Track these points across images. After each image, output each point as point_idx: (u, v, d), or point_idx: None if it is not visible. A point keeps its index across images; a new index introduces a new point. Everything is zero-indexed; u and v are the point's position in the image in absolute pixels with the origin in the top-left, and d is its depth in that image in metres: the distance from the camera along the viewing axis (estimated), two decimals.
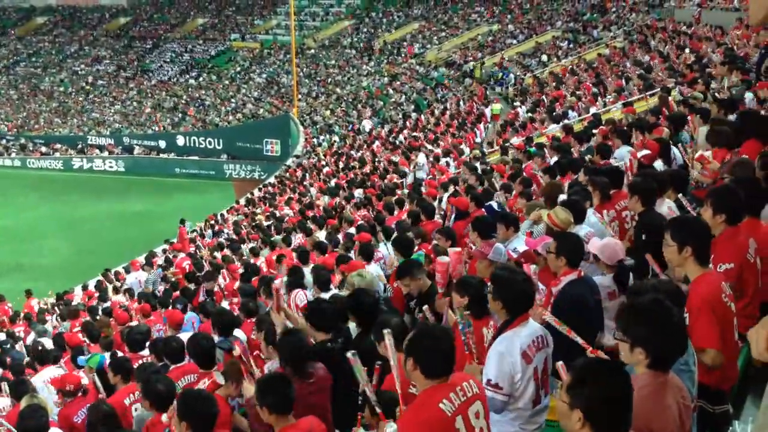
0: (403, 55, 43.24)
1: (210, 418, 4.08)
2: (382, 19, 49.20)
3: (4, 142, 47.52)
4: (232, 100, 47.23)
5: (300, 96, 42.45)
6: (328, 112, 40.60)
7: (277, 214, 19.13)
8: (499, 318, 4.21)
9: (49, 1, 64.53)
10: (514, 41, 37.92)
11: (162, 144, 42.19)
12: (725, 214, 4.40)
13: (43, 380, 7.98)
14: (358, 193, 16.78)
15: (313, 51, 48.79)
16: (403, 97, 37.39)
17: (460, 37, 42.08)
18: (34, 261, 24.18)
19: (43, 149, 45.40)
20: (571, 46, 33.71)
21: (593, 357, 3.31)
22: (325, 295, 7.02)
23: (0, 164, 44.40)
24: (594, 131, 11.72)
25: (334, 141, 34.18)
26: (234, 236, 18.61)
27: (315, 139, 36.10)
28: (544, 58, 33.53)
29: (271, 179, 29.77)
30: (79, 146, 44.66)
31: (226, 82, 49.59)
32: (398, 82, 39.91)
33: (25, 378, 8.37)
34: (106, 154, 43.13)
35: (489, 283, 4.26)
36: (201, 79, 50.93)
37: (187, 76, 51.79)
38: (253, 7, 57.76)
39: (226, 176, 37.86)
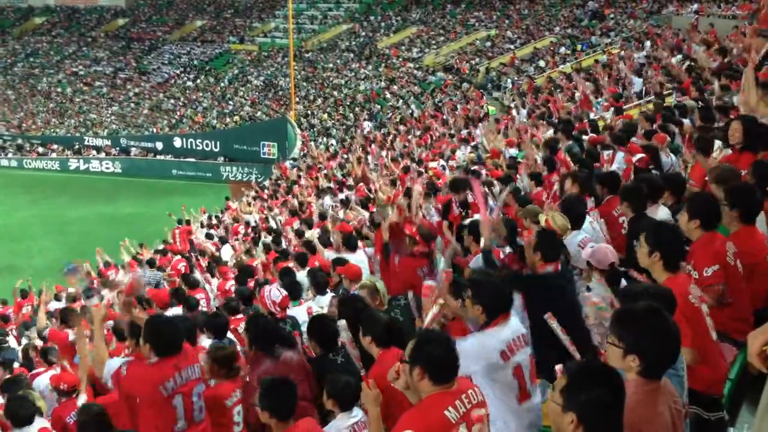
0: (400, 59, 43.26)
1: (174, 339, 4.63)
2: (380, 23, 49.23)
3: (0, 142, 47.45)
4: (230, 102, 47.20)
5: (297, 99, 42.45)
6: (325, 116, 40.59)
7: (272, 216, 19.08)
8: (479, 322, 4.20)
9: (47, 1, 64.53)
10: (512, 46, 37.96)
11: (159, 146, 42.11)
12: (699, 219, 4.55)
13: (45, 384, 7.90)
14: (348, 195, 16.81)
15: (310, 54, 48.81)
16: (401, 101, 37.40)
17: (458, 41, 42.12)
18: (26, 261, 24.10)
19: (40, 150, 45.31)
20: (569, 51, 33.78)
21: (588, 360, 3.28)
22: (323, 299, 7.13)
23: None
24: (584, 137, 11.69)
25: (331, 144, 34.18)
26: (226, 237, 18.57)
27: (312, 143, 36.09)
28: (542, 63, 33.58)
29: (266, 182, 29.73)
30: (76, 147, 44.57)
31: (224, 84, 49.58)
32: (396, 86, 39.92)
33: (19, 377, 8.29)
34: (103, 155, 43.02)
35: (469, 289, 4.26)
36: (199, 81, 50.91)
37: (185, 78, 51.76)
38: (252, 10, 57.81)
39: (222, 178, 37.80)
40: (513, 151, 14.88)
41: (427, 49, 43.08)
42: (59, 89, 53.90)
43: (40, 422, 5.75)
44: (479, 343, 3.97)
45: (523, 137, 14.63)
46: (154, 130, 45.81)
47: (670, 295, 3.73)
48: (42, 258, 24.46)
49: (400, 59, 43.24)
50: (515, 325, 4.13)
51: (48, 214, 31.26)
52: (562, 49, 34.37)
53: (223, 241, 18.16)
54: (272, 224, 17.85)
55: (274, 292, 6.19)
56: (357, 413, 4.28)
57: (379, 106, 38.09)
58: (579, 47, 33.50)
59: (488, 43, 39.77)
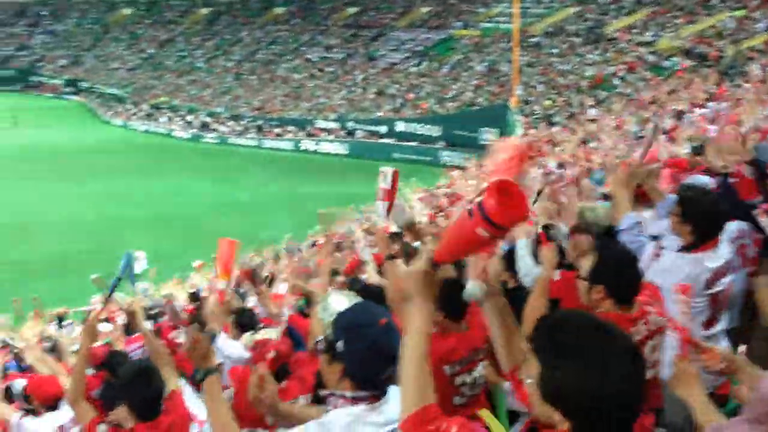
0: (631, 43, 40.90)
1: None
2: (610, 5, 46.92)
3: (244, 122, 52.23)
4: (452, 87, 47.69)
5: (520, 85, 41.82)
6: (548, 102, 39.60)
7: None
8: (684, 242, 3.91)
9: None
10: (762, 27, 34.31)
11: (383, 129, 43.80)
12: None
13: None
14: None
15: (536, 39, 47.77)
16: (630, 87, 35.44)
17: (698, 24, 38.91)
18: (261, 233, 26.12)
19: (277, 131, 49.17)
20: None
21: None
22: None
23: (241, 143, 49.15)
24: None
25: (552, 131, 33.24)
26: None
27: (534, 129, 35.38)
28: None
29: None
30: (308, 129, 47.80)
31: (446, 69, 50.17)
32: (623, 70, 37.89)
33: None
34: (331, 137, 45.69)
35: (677, 206, 3.94)
36: (422, 66, 52.00)
37: (409, 63, 53.14)
38: None
39: (441, 163, 38.38)
40: None
41: (662, 31, 40.29)
42: (295, 75, 57.92)
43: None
44: (689, 266, 3.75)
45: None
46: (380, 114, 47.64)
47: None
48: (274, 230, 26.37)
49: (631, 43, 40.91)
50: (724, 250, 3.84)
51: (282, 190, 33.86)
52: None
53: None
54: None
55: None
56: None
57: (606, 92, 36.42)
58: None
59: (733, 25, 36.31)
